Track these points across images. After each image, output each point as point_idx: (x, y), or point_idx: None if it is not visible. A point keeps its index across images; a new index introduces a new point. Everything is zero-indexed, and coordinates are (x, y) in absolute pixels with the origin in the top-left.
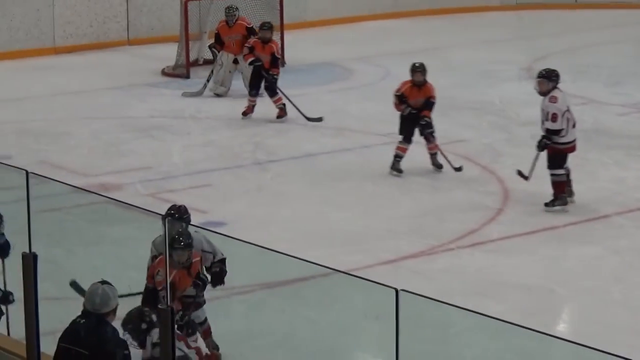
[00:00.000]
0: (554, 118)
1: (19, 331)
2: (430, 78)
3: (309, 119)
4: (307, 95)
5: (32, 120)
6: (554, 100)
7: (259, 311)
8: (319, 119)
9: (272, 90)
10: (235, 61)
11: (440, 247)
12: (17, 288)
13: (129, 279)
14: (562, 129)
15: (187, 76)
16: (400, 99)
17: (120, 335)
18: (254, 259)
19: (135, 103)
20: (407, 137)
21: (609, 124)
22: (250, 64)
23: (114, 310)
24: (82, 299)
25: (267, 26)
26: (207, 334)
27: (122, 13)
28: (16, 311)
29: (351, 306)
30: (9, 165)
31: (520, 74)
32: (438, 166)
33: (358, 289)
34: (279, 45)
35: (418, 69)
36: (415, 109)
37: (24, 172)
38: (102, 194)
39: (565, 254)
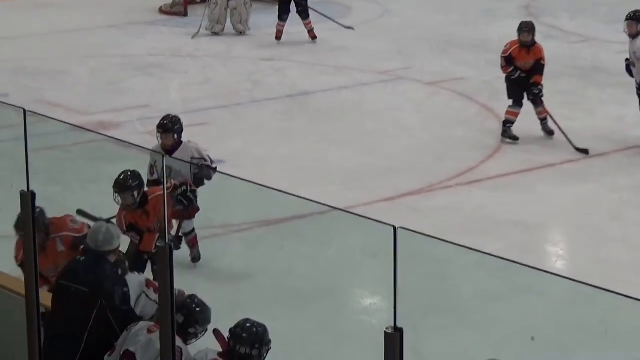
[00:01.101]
0: None
1: (16, 269)
2: (428, 14)
3: (343, 26)
4: (305, 32)
5: (29, 59)
6: None
7: (257, 249)
8: (351, 28)
9: (305, 13)
10: None
11: (438, 185)
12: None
13: None
14: None
15: (185, 14)
16: (508, 61)
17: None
18: (252, 196)
19: (133, 41)
20: (517, 102)
21: (608, 62)
22: None
23: (115, 251)
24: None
25: None
26: (193, 243)
27: None
28: (13, 248)
29: (349, 244)
30: (6, 104)
31: (519, 12)
32: (549, 132)
33: (356, 227)
34: None
35: (525, 29)
36: (524, 72)
37: (22, 110)
38: (100, 132)
39: (563, 192)
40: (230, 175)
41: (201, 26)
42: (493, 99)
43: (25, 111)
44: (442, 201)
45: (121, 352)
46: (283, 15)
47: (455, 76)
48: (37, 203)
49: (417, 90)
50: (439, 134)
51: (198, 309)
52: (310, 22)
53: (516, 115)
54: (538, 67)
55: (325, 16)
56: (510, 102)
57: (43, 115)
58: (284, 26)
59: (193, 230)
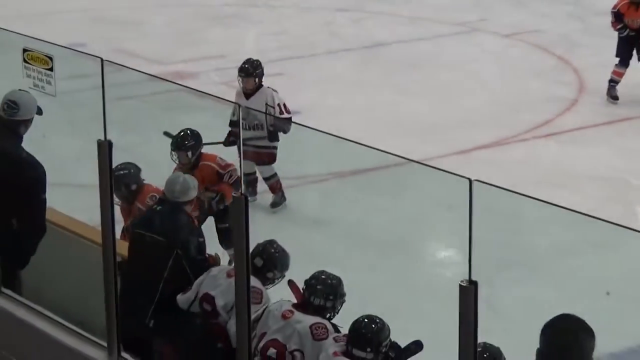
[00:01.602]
0: None
1: (94, 218)
2: None
3: None
4: None
5: (108, 8)
6: None
7: (332, 200)
8: None
9: None
10: None
11: (514, 138)
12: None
13: None
14: None
15: None
16: (617, 17)
17: None
18: (327, 148)
19: None
20: (623, 60)
21: None
22: None
23: (191, 202)
24: None
25: None
26: (274, 189)
27: None
28: (91, 197)
29: (424, 196)
30: (84, 53)
31: None
32: None
33: (431, 179)
34: None
35: None
36: (633, 30)
37: (99, 59)
38: (177, 82)
39: None
40: (306, 126)
41: None
42: (570, 52)
43: (102, 60)
44: (518, 154)
45: (200, 294)
46: None
47: (533, 28)
48: (114, 153)
49: (494, 42)
50: (515, 87)
51: (277, 254)
52: None
53: (621, 75)
54: None
55: None
56: (617, 61)
57: (120, 65)
58: None
59: (273, 175)
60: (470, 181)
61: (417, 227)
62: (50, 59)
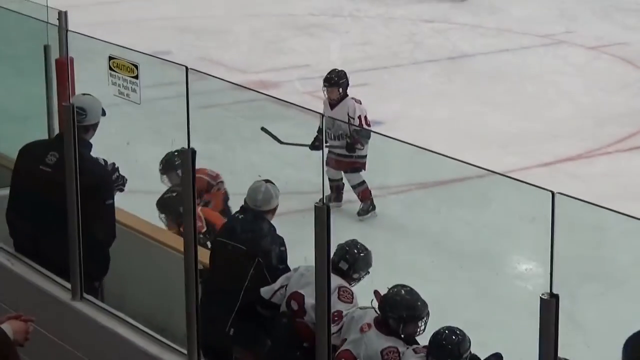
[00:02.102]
0: None
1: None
2: None
3: None
4: None
5: (193, 17)
6: None
7: (415, 211)
8: None
9: None
10: None
11: (598, 151)
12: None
13: (285, 176)
14: None
15: None
16: None
17: None
18: (410, 158)
19: (295, 1)
20: None
21: None
22: None
23: (274, 210)
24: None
25: None
26: (363, 196)
27: None
28: None
29: (507, 208)
30: (169, 61)
31: None
32: None
33: (514, 191)
34: None
35: None
36: None
37: (184, 68)
38: (261, 91)
39: None
40: (389, 137)
41: None
42: None
43: (187, 69)
44: (601, 167)
45: (288, 292)
46: None
47: (618, 41)
48: (197, 161)
49: (579, 54)
50: (599, 99)
51: (361, 255)
52: None
53: None
54: None
55: None
56: None
57: (204, 73)
58: None
59: (360, 184)
60: (553, 194)
61: (499, 240)
62: (136, 66)
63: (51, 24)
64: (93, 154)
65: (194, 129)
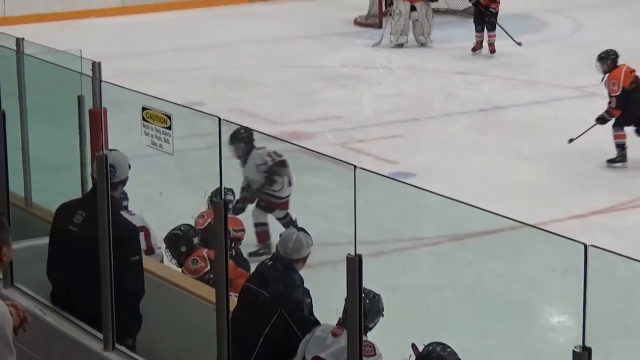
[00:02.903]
0: None
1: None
2: (622, 31)
3: (514, 41)
4: (498, 47)
5: (226, 68)
6: None
7: (446, 263)
8: (519, 43)
9: (492, 25)
10: (413, 8)
11: (630, 203)
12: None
13: (317, 227)
14: None
15: (380, 26)
16: None
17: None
18: (442, 210)
19: (327, 52)
20: None
21: None
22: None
23: (305, 259)
24: None
25: None
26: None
27: None
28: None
29: (539, 260)
30: (203, 112)
31: None
32: None
33: (546, 243)
34: None
35: None
36: None
37: (217, 118)
38: (293, 142)
39: None
40: (420, 188)
41: (383, 36)
42: None
43: (220, 119)
44: (634, 219)
45: (309, 357)
46: (478, 26)
47: None
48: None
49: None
50: (631, 151)
51: (373, 302)
52: (494, 35)
53: None
54: None
55: (504, 30)
56: None
57: (237, 124)
58: (482, 37)
59: (262, 224)
60: (586, 246)
61: (531, 292)
62: (169, 117)
63: (85, 74)
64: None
65: (227, 180)
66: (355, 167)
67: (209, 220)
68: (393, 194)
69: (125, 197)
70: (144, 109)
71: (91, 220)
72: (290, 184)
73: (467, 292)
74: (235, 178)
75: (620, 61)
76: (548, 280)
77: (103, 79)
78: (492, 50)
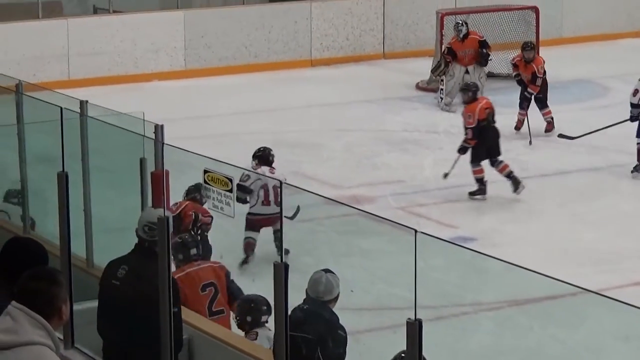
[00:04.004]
0: None
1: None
2: None
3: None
4: (561, 112)
5: (287, 131)
6: None
7: (507, 328)
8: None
9: (541, 102)
10: (467, 72)
11: None
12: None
13: (377, 291)
14: None
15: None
16: None
17: None
18: (503, 275)
19: (388, 116)
20: None
21: None
22: (514, 77)
23: (336, 298)
24: None
25: (529, 47)
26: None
27: (379, 27)
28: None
29: (600, 327)
30: (264, 175)
31: None
32: None
33: (608, 310)
34: (543, 63)
35: None
36: None
37: (279, 182)
38: (354, 205)
39: None
40: (482, 253)
41: (442, 101)
42: None
43: (281, 182)
44: None
45: None
46: (523, 102)
47: None
48: (290, 274)
49: None
50: None
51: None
52: (548, 112)
53: None
54: None
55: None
56: None
57: (298, 187)
58: (524, 116)
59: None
60: None
61: (592, 358)
62: (230, 180)
63: (147, 137)
64: None
65: (288, 243)
66: (416, 231)
67: (180, 209)
68: (453, 259)
69: None
70: (205, 171)
71: (133, 275)
72: (264, 204)
73: (527, 357)
74: (296, 240)
75: None
76: (609, 346)
77: (165, 142)
78: (548, 129)
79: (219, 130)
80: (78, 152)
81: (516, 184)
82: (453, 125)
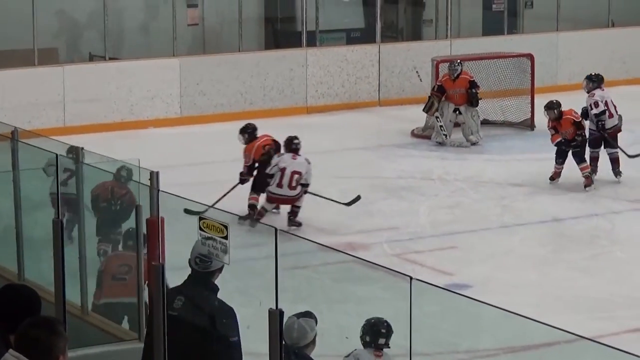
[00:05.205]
0: None
1: None
2: None
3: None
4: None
5: None
6: None
7: None
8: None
9: (579, 157)
10: (456, 110)
11: None
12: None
13: None
14: None
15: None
16: None
17: None
18: (498, 322)
19: (384, 163)
20: None
21: None
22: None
23: (313, 341)
24: None
25: (554, 106)
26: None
27: (374, 74)
28: None
29: None
30: (260, 222)
31: None
32: None
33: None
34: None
35: None
36: None
37: (273, 229)
38: (349, 252)
39: None
40: (477, 300)
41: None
42: None
43: (276, 230)
44: None
45: None
46: (558, 158)
47: None
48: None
49: None
50: None
51: None
52: (585, 167)
53: None
54: None
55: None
56: None
57: (294, 234)
58: (560, 169)
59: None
60: None
61: None
62: (226, 227)
63: (143, 184)
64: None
65: (282, 290)
66: (411, 278)
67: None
68: (449, 306)
69: None
70: (201, 218)
71: (191, 304)
72: (278, 186)
73: None
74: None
75: None
76: None
77: (161, 189)
78: (587, 184)
79: (215, 177)
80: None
81: (250, 219)
82: (448, 173)
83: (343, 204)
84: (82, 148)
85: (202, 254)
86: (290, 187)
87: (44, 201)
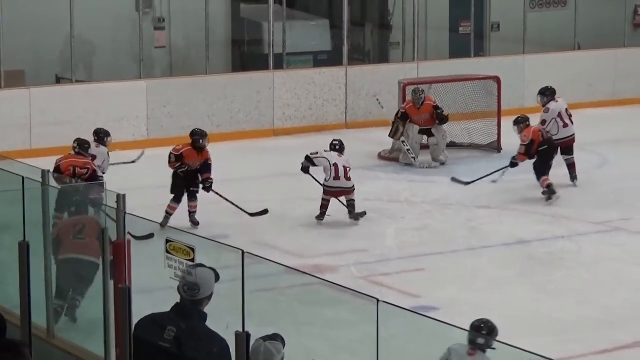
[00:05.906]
0: None
1: None
2: None
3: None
4: (524, 180)
5: (250, 201)
6: None
7: None
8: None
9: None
10: (422, 132)
11: None
12: None
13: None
14: None
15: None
16: None
17: None
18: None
19: None
20: None
21: None
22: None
23: None
24: None
25: (519, 121)
26: None
27: (341, 96)
28: None
29: None
30: (226, 245)
31: None
32: None
33: None
34: (531, 132)
35: None
36: None
37: (240, 251)
38: (316, 275)
39: None
40: (444, 322)
41: (412, 154)
42: None
43: (243, 252)
44: None
45: None
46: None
47: None
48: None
49: (636, 242)
50: None
51: None
52: (546, 179)
53: None
54: None
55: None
56: None
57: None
58: (548, 179)
59: None
60: None
61: None
62: (192, 250)
63: (109, 206)
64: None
65: (249, 313)
66: (378, 300)
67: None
68: (416, 328)
69: None
70: (167, 241)
71: (186, 335)
72: (336, 178)
73: None
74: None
75: None
76: None
77: (127, 211)
78: (549, 197)
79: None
80: (40, 221)
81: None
82: (415, 195)
83: (248, 214)
84: (48, 171)
85: (190, 281)
86: (347, 179)
87: (9, 224)
